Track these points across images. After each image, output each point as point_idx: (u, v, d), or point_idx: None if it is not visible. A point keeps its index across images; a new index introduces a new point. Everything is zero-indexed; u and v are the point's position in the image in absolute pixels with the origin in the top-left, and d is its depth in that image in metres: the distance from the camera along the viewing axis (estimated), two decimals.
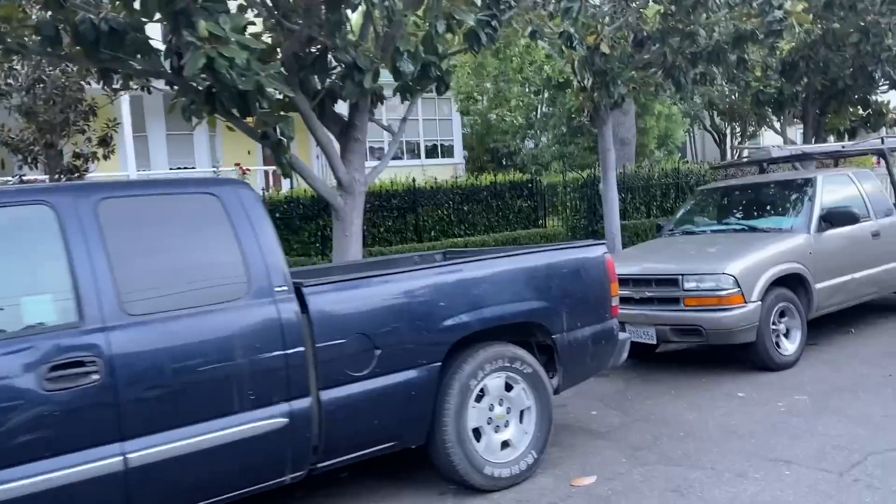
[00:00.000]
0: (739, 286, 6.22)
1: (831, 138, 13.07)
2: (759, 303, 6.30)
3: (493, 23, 6.83)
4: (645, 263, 6.95)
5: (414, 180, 11.86)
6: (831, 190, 7.41)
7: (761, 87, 11.42)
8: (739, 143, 23.73)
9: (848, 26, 10.19)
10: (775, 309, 6.48)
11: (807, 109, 12.31)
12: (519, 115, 23.95)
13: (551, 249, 4.82)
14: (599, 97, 9.23)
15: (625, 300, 6.73)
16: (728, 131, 24.63)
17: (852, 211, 7.00)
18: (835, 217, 6.99)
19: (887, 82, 11.66)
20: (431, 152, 22.72)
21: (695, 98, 19.74)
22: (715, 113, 18.96)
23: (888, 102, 13.37)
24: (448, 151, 22.89)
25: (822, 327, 7.82)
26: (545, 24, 9.18)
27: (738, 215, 7.69)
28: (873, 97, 12.87)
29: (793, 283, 6.73)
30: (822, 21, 10.30)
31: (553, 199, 14.74)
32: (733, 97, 12.28)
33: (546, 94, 22.11)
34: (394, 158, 21.85)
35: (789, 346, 6.61)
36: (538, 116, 23.60)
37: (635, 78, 9.52)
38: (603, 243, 5.06)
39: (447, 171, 21.24)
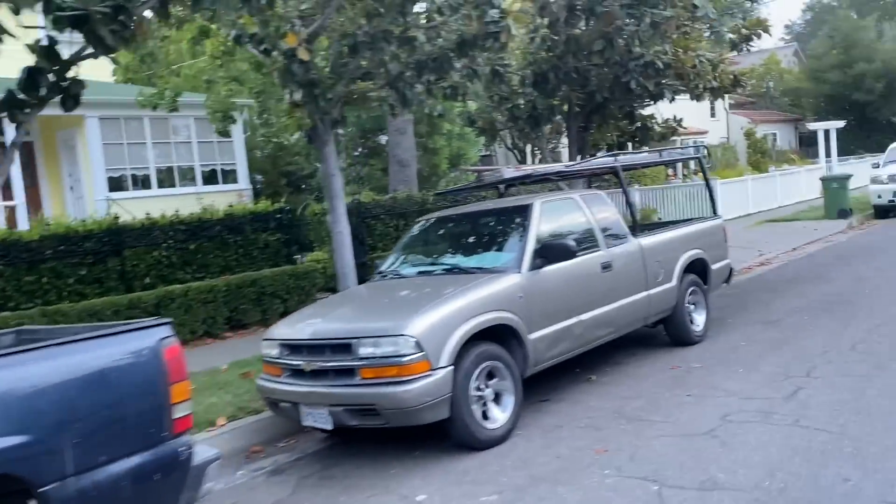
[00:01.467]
0: (423, 349, 4.87)
1: (601, 154, 12.42)
2: (452, 367, 4.99)
3: (121, 17, 5.14)
4: (322, 323, 5.48)
5: (117, 217, 9.87)
6: (551, 218, 6.32)
7: (517, 102, 10.47)
8: (541, 160, 23.44)
9: (592, 33, 9.41)
10: (477, 371, 5.20)
11: (569, 124, 11.54)
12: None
13: (53, 345, 3.14)
14: (311, 113, 7.76)
15: (297, 373, 5.25)
16: (528, 149, 24.30)
17: (571, 243, 5.90)
18: (552, 251, 5.86)
19: (645, 94, 11.06)
20: (210, 178, 20.55)
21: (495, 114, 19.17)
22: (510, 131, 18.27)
23: (652, 116, 12.94)
24: (230, 177, 20.81)
25: (561, 376, 6.72)
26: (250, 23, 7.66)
27: (449, 252, 6.44)
28: (639, 111, 12.35)
29: (502, 335, 5.50)
30: (567, 27, 9.44)
31: (317, 229, 13.22)
32: (490, 112, 11.38)
33: None
34: (160, 186, 19.63)
35: (499, 415, 5.35)
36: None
37: (355, 91, 8.15)
38: (164, 323, 3.47)
39: (230, 198, 19.19)
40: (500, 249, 6.10)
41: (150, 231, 9.83)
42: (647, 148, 11.53)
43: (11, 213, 16.11)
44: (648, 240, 7.18)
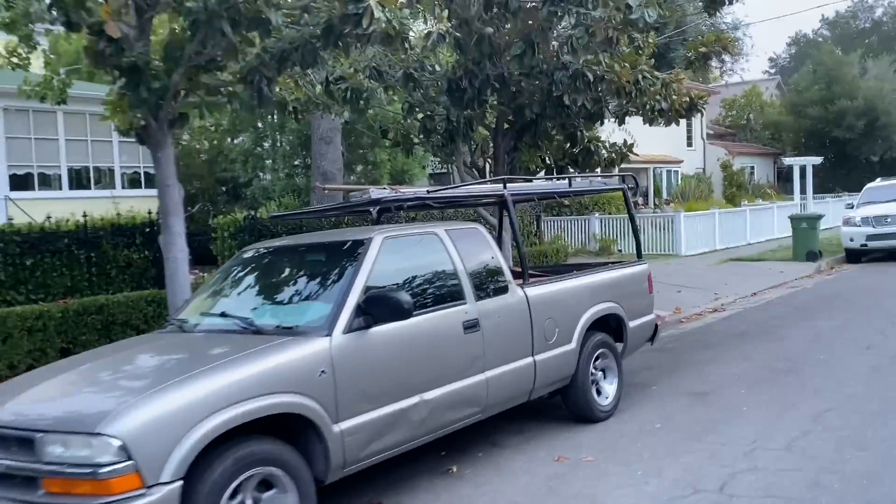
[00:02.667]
0: (131, 456, 3.25)
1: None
2: (181, 483, 3.37)
3: None
4: (12, 401, 3.82)
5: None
6: (395, 260, 4.72)
7: (427, 113, 8.92)
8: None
9: (511, 33, 7.89)
10: (234, 485, 3.57)
11: (496, 142, 10.00)
12: (248, 140, 20.69)
13: None
14: (131, 106, 6.17)
15: None
16: (486, 167, 22.80)
17: (405, 297, 4.28)
18: (380, 306, 4.26)
19: (582, 113, 9.53)
20: (133, 182, 18.83)
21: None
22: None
23: (597, 139, 11.42)
24: (156, 181, 19.10)
25: (417, 459, 5.13)
26: None
27: (255, 298, 4.81)
28: (584, 132, 10.81)
29: (292, 426, 3.91)
30: (480, 24, 7.89)
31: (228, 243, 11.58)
32: (402, 123, 9.80)
33: (272, 118, 19.00)
34: (72, 187, 17.89)
35: None
36: (275, 144, 20.39)
37: (200, 83, 6.56)
38: None
39: (152, 204, 17.53)
40: (313, 300, 4.49)
41: None
42: (580, 173, 9.99)
43: None
44: (538, 290, 5.61)
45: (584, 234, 20.95)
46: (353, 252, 4.58)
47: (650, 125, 11.46)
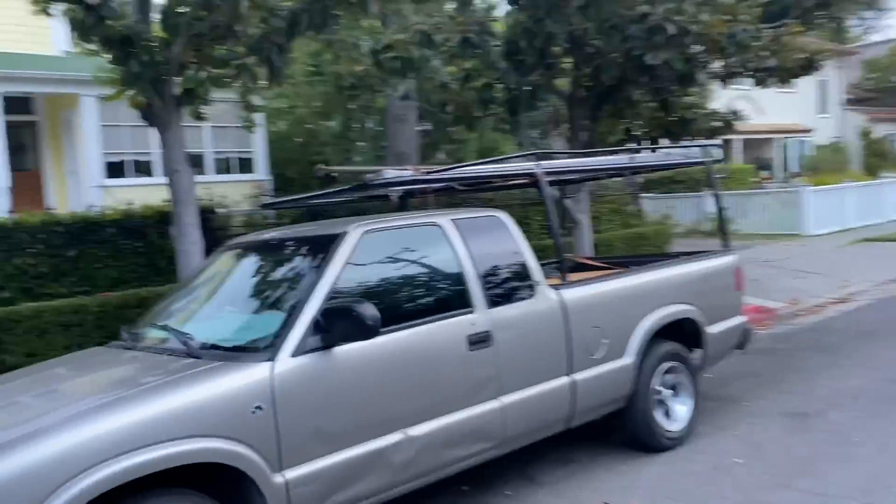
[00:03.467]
0: None
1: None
2: None
3: None
4: None
5: None
6: (376, 260, 3.76)
7: (486, 81, 7.86)
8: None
9: None
10: None
11: (572, 113, 8.81)
12: (338, 123, 20.21)
13: None
14: (125, 81, 5.51)
15: None
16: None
17: (368, 310, 3.26)
18: (343, 320, 3.32)
19: (669, 74, 8.18)
20: (224, 167, 18.78)
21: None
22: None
23: (695, 105, 10.02)
24: (247, 166, 18.97)
25: (428, 500, 4.21)
26: None
27: (208, 309, 3.97)
28: (675, 96, 9.44)
29: (230, 480, 3.07)
30: None
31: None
32: (460, 94, 8.73)
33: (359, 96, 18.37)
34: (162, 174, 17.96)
35: None
36: (363, 126, 19.83)
37: (207, 55, 5.82)
38: None
39: (245, 189, 17.39)
40: (264, 312, 3.62)
41: (10, 233, 7.86)
42: (655, 146, 8.63)
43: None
44: (579, 293, 4.50)
45: (697, 213, 19.16)
46: (322, 250, 3.66)
47: (761, 86, 9.94)
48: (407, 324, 3.67)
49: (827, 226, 17.69)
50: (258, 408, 3.12)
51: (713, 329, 5.37)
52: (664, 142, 9.83)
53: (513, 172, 4.69)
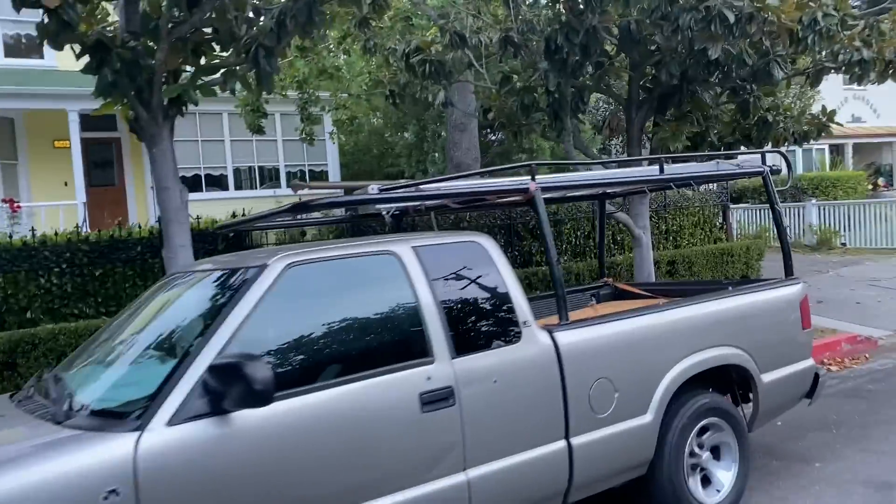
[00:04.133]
0: None
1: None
2: None
3: None
4: None
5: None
6: (303, 300, 3.05)
7: (525, 84, 7.03)
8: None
9: None
10: None
11: (629, 117, 7.87)
12: (412, 133, 19.71)
13: None
14: (101, 91, 5.05)
15: None
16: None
17: (262, 372, 2.56)
18: (232, 381, 2.62)
19: (738, 70, 7.12)
20: (297, 180, 18.64)
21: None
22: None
23: (777, 106, 8.87)
24: (321, 178, 18.75)
25: None
26: None
27: (109, 357, 3.31)
28: (755, 97, 8.32)
29: None
30: None
31: None
32: (501, 99, 7.87)
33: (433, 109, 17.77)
34: (238, 188, 17.95)
35: None
36: (436, 135, 19.23)
37: (193, 61, 5.30)
38: None
39: None
40: (156, 363, 2.96)
41: (33, 252, 7.65)
42: (703, 156, 7.58)
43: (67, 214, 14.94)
44: (579, 336, 3.63)
45: (800, 226, 17.50)
46: (235, 287, 3.00)
47: (859, 83, 8.68)
48: (336, 381, 2.94)
49: None
50: (112, 492, 2.46)
51: (769, 377, 4.36)
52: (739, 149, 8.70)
53: (502, 188, 3.87)
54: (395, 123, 19.94)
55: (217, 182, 17.73)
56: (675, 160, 5.16)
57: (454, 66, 7.20)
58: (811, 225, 17.08)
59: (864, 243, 16.41)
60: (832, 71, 8.26)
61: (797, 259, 15.13)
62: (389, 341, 3.21)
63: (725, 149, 8.77)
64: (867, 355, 7.99)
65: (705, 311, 4.18)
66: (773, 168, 4.70)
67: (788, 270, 4.72)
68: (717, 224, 13.48)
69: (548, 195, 3.92)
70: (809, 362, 4.66)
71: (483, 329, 3.43)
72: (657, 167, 4.30)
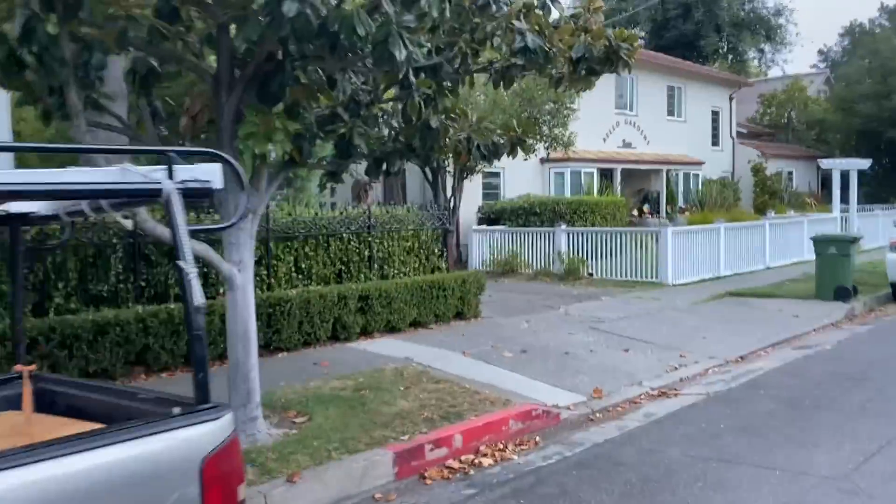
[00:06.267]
0: None
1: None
2: None
3: None
4: None
5: None
6: None
7: None
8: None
9: None
10: None
11: (220, 102, 5.46)
12: None
13: None
14: None
15: None
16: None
17: None
18: None
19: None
20: None
21: None
22: None
23: (460, 109, 6.92)
24: None
25: None
26: None
27: None
28: (430, 94, 6.22)
29: None
30: None
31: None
32: None
33: None
34: None
35: None
36: None
37: None
38: None
39: None
40: None
41: None
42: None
43: None
44: None
45: (550, 253, 16.18)
46: None
47: (556, 88, 6.96)
48: None
49: (691, 273, 14.95)
50: None
51: None
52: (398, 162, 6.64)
53: None
54: None
55: None
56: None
57: None
58: (559, 252, 15.79)
59: (610, 274, 15.33)
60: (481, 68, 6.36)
61: (541, 289, 13.64)
62: None
63: (375, 162, 6.65)
64: (537, 439, 6.10)
65: None
66: (201, 184, 2.39)
67: (202, 390, 2.37)
68: (436, 251, 11.55)
69: None
70: None
71: None
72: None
